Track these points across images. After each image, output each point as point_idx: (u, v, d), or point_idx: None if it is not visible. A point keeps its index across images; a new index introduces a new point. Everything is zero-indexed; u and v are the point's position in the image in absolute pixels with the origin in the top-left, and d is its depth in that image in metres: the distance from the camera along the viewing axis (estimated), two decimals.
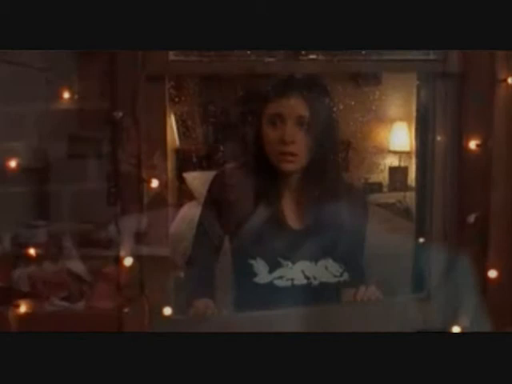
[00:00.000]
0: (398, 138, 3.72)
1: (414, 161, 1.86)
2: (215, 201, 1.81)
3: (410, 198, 3.60)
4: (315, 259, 1.76)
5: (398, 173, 3.72)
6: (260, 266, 1.74)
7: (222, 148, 3.15)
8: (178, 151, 3.79)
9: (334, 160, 1.78)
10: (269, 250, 1.74)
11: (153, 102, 1.58)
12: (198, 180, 3.51)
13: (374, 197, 3.56)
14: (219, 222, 1.80)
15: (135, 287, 1.54)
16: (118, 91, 1.51)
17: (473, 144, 1.71)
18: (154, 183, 1.56)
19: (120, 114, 1.50)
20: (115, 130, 1.51)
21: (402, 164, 3.74)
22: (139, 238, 1.54)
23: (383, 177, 3.74)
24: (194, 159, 3.59)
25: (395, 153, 3.75)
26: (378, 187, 3.68)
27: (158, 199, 1.58)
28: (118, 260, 1.53)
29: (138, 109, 1.51)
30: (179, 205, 3.53)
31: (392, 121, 3.69)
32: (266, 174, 1.76)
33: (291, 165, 1.72)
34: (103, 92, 1.51)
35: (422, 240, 1.85)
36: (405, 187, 3.68)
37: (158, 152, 1.60)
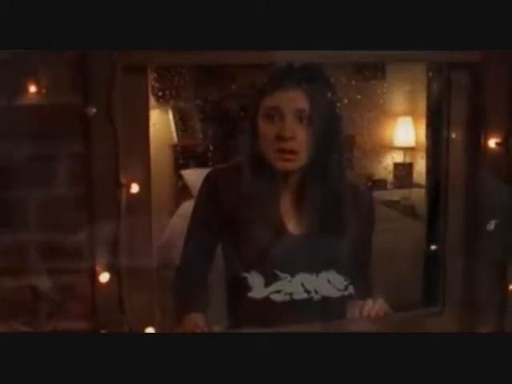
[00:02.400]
0: (403, 133, 3.51)
1: (425, 159, 1.64)
2: (206, 204, 1.59)
3: (416, 194, 3.41)
4: (316, 271, 1.54)
5: (402, 169, 3.51)
6: (255, 278, 1.53)
7: (211, 147, 2.92)
8: (175, 147, 3.60)
9: (337, 158, 1.55)
10: (265, 259, 1.52)
11: (133, 96, 1.36)
12: (195, 177, 3.31)
13: (378, 194, 3.36)
14: (211, 228, 1.58)
15: (113, 305, 1.33)
16: (91, 84, 1.29)
17: (492, 142, 1.49)
18: (134, 188, 1.34)
19: (93, 110, 1.28)
20: (88, 128, 1.30)
21: (407, 160, 3.53)
22: (117, 250, 1.33)
23: (388, 173, 3.52)
24: (191, 155, 3.39)
25: (400, 149, 3.54)
26: (382, 184, 3.47)
27: (139, 207, 1.37)
28: (92, 275, 1.32)
29: (114, 104, 1.30)
30: (176, 203, 3.38)
31: (398, 115, 3.48)
32: (263, 173, 1.54)
33: (290, 163, 1.50)
34: (74, 85, 1.29)
35: (434, 247, 1.64)
36: (410, 184, 3.47)
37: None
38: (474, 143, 1.52)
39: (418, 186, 3.39)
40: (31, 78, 1.27)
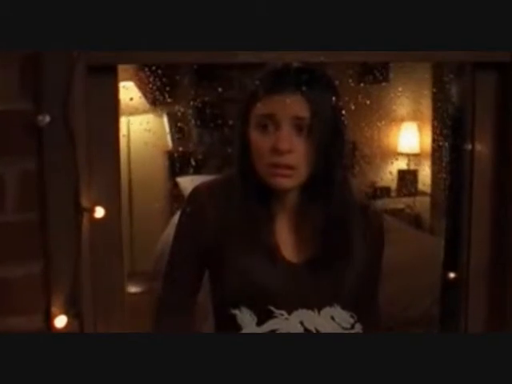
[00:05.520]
0: (408, 138, 3.25)
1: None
2: (191, 225, 1.32)
3: (421, 203, 3.16)
4: (318, 306, 1.27)
5: (407, 176, 3.24)
6: (245, 316, 1.25)
7: (208, 154, 2.65)
8: (170, 153, 3.34)
9: (341, 174, 1.28)
10: (257, 293, 1.25)
11: (99, 101, 1.10)
12: (192, 185, 3.04)
13: (382, 202, 3.09)
14: (196, 254, 1.31)
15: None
16: (44, 88, 1.03)
17: None
18: (99, 213, 1.07)
19: (46, 118, 1.01)
20: (41, 140, 1.03)
21: (412, 167, 3.27)
22: (78, 288, 1.06)
23: (391, 181, 3.25)
24: (187, 162, 3.12)
25: (404, 155, 3.27)
26: (385, 192, 3.20)
27: (106, 235, 1.10)
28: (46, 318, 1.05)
29: (73, 111, 1.03)
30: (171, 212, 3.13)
31: (402, 120, 3.21)
32: (255, 191, 1.27)
33: (287, 180, 1.23)
34: (23, 89, 1.02)
35: (452, 275, 1.37)
36: (414, 192, 3.21)
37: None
38: (503, 156, 1.26)
39: (423, 193, 3.13)
40: None
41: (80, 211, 1.05)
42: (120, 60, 1.11)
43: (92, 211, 1.06)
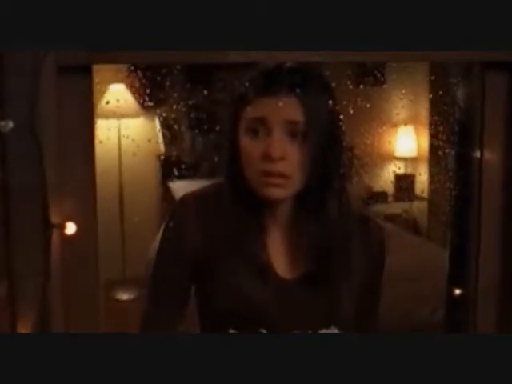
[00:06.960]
0: (406, 142, 3.15)
1: (450, 184, 1.27)
2: (175, 240, 1.21)
3: (418, 208, 3.06)
4: (314, 327, 1.15)
5: (404, 181, 3.14)
6: None
7: (201, 158, 2.53)
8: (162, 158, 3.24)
9: (339, 184, 1.17)
10: (247, 313, 1.13)
11: (70, 104, 0.98)
12: (185, 190, 2.94)
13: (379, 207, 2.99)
14: (181, 270, 1.20)
15: None
16: (8, 90, 0.91)
17: None
18: (71, 229, 0.96)
19: (10, 124, 0.90)
20: (3, 149, 0.92)
21: (409, 171, 3.16)
22: (47, 315, 0.94)
23: (388, 185, 3.15)
24: (180, 167, 3.02)
25: (401, 159, 3.17)
26: (382, 197, 3.10)
27: (79, 254, 0.98)
28: None
29: (40, 116, 0.91)
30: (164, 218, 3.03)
31: (399, 124, 3.11)
32: (245, 202, 1.16)
33: (279, 190, 1.12)
34: None
35: (459, 291, 1.26)
36: (411, 196, 3.11)
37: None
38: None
39: (421, 198, 3.03)
40: None
41: (49, 227, 0.93)
42: (95, 60, 0.99)
43: (62, 227, 0.95)
